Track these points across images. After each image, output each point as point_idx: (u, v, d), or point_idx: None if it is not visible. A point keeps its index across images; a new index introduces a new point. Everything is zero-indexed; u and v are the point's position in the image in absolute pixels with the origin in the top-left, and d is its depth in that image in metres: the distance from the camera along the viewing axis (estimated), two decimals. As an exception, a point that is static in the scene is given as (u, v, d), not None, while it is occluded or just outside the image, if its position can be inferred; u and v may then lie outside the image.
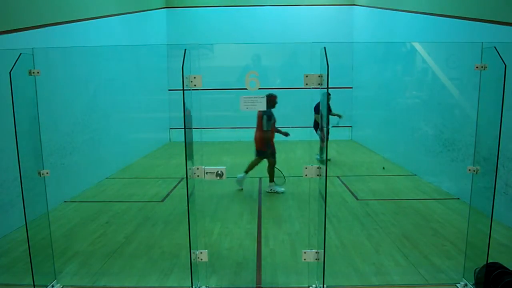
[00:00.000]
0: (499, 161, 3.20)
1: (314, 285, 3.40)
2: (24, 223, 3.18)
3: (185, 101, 3.00)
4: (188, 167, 3.07)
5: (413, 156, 7.75)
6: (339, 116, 8.40)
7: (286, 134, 6.68)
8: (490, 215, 3.16)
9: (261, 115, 6.23)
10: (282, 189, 6.51)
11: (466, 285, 3.40)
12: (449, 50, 6.58)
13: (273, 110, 6.28)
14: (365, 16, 11.27)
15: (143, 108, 10.07)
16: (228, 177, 3.21)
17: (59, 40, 6.04)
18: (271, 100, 6.12)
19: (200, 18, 12.33)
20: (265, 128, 6.20)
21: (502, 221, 4.79)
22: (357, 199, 6.13)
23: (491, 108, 3.19)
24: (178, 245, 4.37)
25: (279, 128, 6.63)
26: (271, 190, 6.50)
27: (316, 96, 3.23)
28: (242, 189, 6.58)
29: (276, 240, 4.54)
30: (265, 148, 6.42)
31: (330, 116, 8.09)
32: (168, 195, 6.45)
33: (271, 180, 6.55)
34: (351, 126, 12.20)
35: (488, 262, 3.22)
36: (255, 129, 6.47)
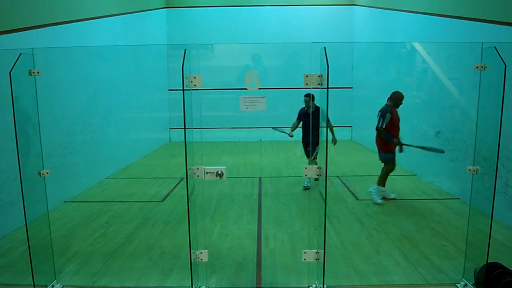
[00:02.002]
0: (499, 161, 3.20)
1: (314, 285, 3.40)
2: (24, 223, 3.18)
3: (185, 101, 3.00)
4: (188, 167, 3.07)
5: (413, 156, 7.74)
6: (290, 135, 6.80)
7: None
8: (490, 215, 3.16)
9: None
10: (380, 201, 5.80)
11: (466, 285, 3.40)
12: (449, 50, 6.58)
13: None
14: (365, 16, 11.27)
15: (143, 108, 10.07)
16: (228, 177, 3.21)
17: (59, 40, 6.04)
18: (395, 98, 5.74)
19: (200, 18, 12.33)
20: (378, 126, 5.74)
21: (502, 221, 4.79)
22: (357, 199, 6.13)
23: (491, 108, 3.19)
24: (178, 245, 4.37)
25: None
26: (373, 192, 5.90)
27: (317, 96, 3.22)
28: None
29: (276, 240, 4.53)
30: (387, 148, 5.88)
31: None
32: (168, 195, 6.45)
33: (381, 183, 5.92)
34: (351, 126, 12.20)
35: (488, 262, 3.22)
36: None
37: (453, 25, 6.23)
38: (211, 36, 11.98)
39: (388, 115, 5.72)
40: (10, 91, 3.01)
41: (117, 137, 8.19)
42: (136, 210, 5.68)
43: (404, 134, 8.01)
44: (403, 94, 5.81)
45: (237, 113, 10.84)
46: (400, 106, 5.83)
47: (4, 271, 3.83)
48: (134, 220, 5.23)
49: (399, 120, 5.86)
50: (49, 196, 3.47)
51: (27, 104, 3.30)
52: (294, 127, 6.79)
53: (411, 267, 3.81)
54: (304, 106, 6.68)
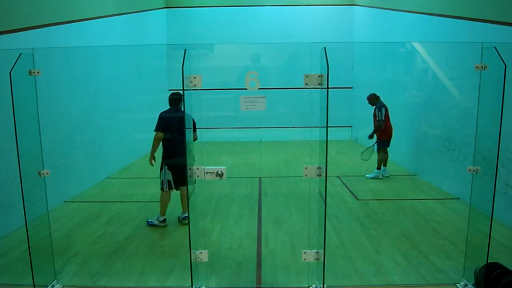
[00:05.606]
0: (499, 161, 3.20)
1: (314, 285, 3.40)
2: (24, 223, 3.18)
3: (185, 101, 3.00)
4: (188, 167, 3.07)
5: (413, 156, 7.75)
6: None
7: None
8: (490, 215, 3.16)
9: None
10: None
11: (466, 285, 3.40)
12: (449, 50, 6.58)
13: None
14: (365, 16, 11.27)
15: (143, 108, 10.05)
16: (228, 177, 3.21)
17: (59, 40, 6.04)
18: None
19: (200, 18, 12.33)
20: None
21: (502, 221, 4.79)
22: (357, 199, 6.13)
23: (491, 108, 3.19)
24: (178, 245, 4.37)
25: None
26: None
27: (316, 96, 3.21)
28: None
29: (276, 240, 4.53)
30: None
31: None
32: (168, 195, 6.43)
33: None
34: (351, 126, 12.19)
35: (488, 262, 3.22)
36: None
37: (454, 25, 6.23)
38: (211, 36, 11.97)
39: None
40: (10, 91, 3.01)
41: (117, 137, 8.18)
42: (136, 210, 5.68)
43: (404, 134, 8.03)
44: (370, 95, 7.56)
45: (237, 113, 10.83)
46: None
47: (4, 271, 3.83)
48: (134, 220, 5.23)
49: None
50: (49, 196, 3.47)
51: (27, 104, 3.29)
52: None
53: (411, 267, 3.81)
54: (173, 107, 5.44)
